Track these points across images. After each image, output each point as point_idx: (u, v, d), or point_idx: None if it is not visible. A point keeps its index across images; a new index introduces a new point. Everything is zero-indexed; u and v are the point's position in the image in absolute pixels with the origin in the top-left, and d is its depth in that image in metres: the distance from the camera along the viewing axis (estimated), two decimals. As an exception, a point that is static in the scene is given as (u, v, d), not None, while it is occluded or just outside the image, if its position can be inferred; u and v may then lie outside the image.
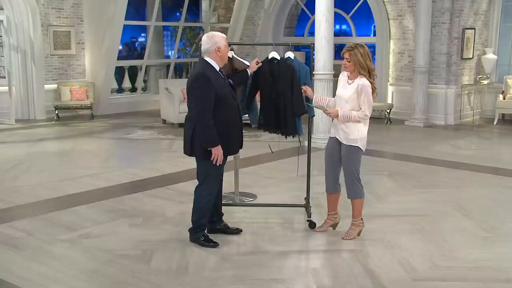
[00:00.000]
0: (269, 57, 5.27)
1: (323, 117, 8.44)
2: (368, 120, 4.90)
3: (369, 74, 4.78)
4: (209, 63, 4.60)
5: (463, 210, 5.90)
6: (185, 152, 4.79)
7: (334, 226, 5.23)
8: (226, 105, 4.59)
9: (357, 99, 4.77)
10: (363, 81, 4.74)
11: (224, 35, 4.70)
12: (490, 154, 9.04)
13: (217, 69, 4.63)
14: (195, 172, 4.86)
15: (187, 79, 4.78)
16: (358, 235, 5.05)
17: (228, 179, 5.62)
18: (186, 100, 4.77)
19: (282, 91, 5.19)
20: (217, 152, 4.56)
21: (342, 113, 4.79)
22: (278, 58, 5.25)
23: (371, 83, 4.77)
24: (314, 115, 5.52)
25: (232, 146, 4.76)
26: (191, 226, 4.87)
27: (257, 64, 5.20)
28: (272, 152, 5.78)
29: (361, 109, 4.77)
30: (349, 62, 4.78)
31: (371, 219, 5.42)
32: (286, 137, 5.47)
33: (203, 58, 4.65)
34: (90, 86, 12.39)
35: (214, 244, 4.77)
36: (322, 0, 8.87)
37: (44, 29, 11.92)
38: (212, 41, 4.59)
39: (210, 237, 4.85)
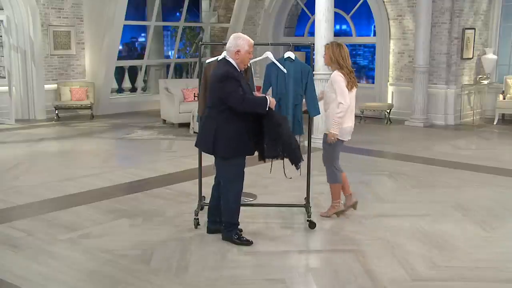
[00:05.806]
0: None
1: (323, 117, 8.42)
2: (351, 111, 5.26)
3: (339, 66, 5.18)
4: (232, 64, 4.63)
5: (463, 210, 5.90)
6: (205, 151, 4.81)
7: (338, 213, 5.49)
8: None
9: (334, 91, 5.21)
10: (333, 73, 5.24)
11: (250, 41, 4.65)
12: (490, 154, 9.03)
13: (238, 70, 4.66)
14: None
15: (214, 77, 4.65)
16: (338, 216, 5.44)
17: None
18: (208, 99, 4.78)
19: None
20: (272, 101, 4.65)
21: (331, 123, 5.24)
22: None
23: (343, 74, 5.16)
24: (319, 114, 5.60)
25: (249, 146, 4.74)
26: (223, 224, 4.91)
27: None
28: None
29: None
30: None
31: (371, 219, 5.42)
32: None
33: (225, 58, 4.67)
34: (90, 86, 12.38)
35: (248, 242, 4.82)
36: (322, 0, 8.87)
37: (44, 29, 11.92)
38: (235, 43, 4.61)
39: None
